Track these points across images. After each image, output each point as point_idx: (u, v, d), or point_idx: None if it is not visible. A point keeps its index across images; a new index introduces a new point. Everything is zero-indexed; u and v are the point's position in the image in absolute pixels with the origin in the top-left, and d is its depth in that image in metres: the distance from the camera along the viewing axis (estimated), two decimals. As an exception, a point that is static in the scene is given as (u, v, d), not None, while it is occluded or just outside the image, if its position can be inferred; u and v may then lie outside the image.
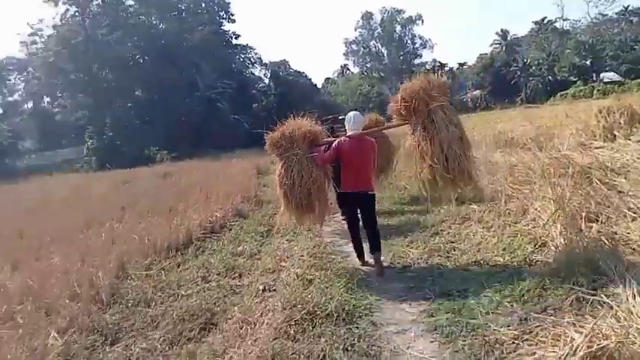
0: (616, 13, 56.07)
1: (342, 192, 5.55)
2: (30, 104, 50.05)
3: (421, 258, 5.45)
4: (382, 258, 5.46)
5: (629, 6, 55.00)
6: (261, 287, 4.98)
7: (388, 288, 4.81)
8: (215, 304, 4.64)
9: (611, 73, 51.79)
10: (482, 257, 5.05)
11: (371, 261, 5.53)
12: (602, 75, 51.81)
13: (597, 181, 5.82)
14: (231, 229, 7.90)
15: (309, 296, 4.32)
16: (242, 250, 6.59)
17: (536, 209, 5.95)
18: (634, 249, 4.24)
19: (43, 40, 38.09)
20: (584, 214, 4.96)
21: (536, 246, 4.95)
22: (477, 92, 62.03)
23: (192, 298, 4.78)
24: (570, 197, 5.37)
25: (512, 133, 11.52)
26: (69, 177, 25.65)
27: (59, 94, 39.19)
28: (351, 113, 5.70)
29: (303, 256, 6.01)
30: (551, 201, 5.38)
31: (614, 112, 9.18)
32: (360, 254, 5.67)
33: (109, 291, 4.87)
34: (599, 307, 3.41)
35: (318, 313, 3.99)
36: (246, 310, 4.28)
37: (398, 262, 5.51)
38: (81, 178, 23.04)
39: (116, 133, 36.12)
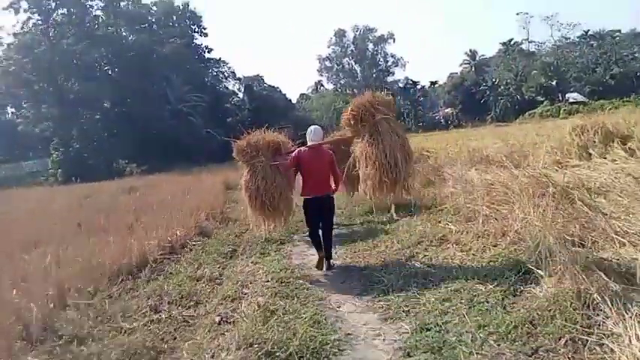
0: (577, 37, 58.02)
1: (304, 197, 5.92)
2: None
3: (396, 284, 4.93)
4: (333, 262, 6.00)
5: (588, 30, 56.97)
6: (217, 319, 4.38)
7: (360, 319, 4.29)
8: (163, 339, 4.02)
9: (576, 94, 53.29)
10: (462, 285, 4.58)
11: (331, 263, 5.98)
12: (567, 95, 53.23)
13: (580, 202, 5.44)
14: (192, 250, 7.26)
15: (270, 332, 3.76)
16: (202, 273, 5.96)
17: (516, 231, 5.56)
18: (627, 279, 3.83)
19: (2, 48, 36.48)
20: (569, 239, 4.55)
21: (520, 273, 4.50)
22: (449, 110, 62.88)
23: (136, 333, 4.13)
24: (552, 219, 4.99)
25: (485, 150, 11.20)
26: (31, 190, 24.31)
27: (23, 105, 37.41)
28: (312, 127, 6.10)
29: (267, 281, 5.47)
30: (534, 223, 4.97)
31: (587, 130, 8.99)
32: (319, 250, 5.89)
33: (40, 325, 4.17)
34: (598, 349, 2.97)
35: (277, 354, 3.43)
36: (197, 350, 3.67)
37: (371, 289, 4.98)
38: (43, 192, 21.81)
39: (83, 146, 34.83)
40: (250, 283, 5.46)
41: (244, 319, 4.19)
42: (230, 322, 4.29)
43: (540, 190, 6.14)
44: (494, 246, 5.56)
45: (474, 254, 5.42)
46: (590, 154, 8.54)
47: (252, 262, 6.47)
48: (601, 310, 3.39)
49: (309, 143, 6.00)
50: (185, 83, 40.36)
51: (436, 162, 10.99)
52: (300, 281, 5.48)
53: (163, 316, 4.54)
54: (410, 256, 5.79)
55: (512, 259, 4.93)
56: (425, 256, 5.72)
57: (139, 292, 5.30)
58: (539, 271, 4.25)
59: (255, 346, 3.50)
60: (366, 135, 6.01)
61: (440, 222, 6.95)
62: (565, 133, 10.63)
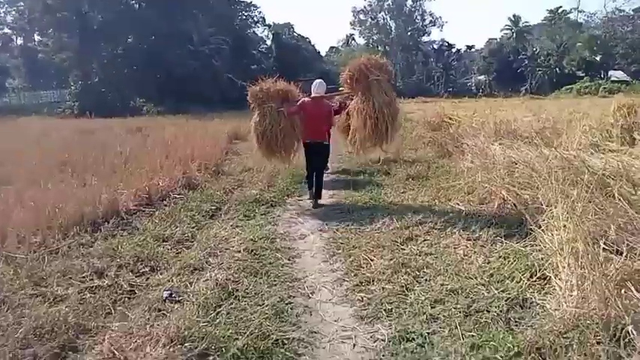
0: (633, 10, 53.59)
1: (303, 141, 7.01)
2: (20, 40, 47.66)
3: (384, 272, 4.17)
4: (320, 201, 6.88)
5: (647, 3, 52.67)
6: (165, 294, 3.71)
7: (333, 313, 3.57)
8: (91, 315, 3.36)
9: (619, 72, 50.09)
10: (460, 284, 3.79)
11: (320, 201, 6.90)
12: (610, 73, 50.08)
13: (619, 196, 4.51)
14: (169, 204, 6.57)
15: (214, 324, 3.06)
16: (171, 233, 5.29)
17: (536, 223, 4.70)
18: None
19: None
20: (602, 243, 3.67)
21: (535, 278, 3.68)
22: (482, 77, 60.30)
23: (65, 302, 3.49)
24: (583, 214, 4.10)
25: (514, 123, 10.16)
26: (42, 120, 24.05)
27: (48, 32, 36.64)
28: (317, 80, 7.12)
29: (239, 251, 4.75)
30: (560, 218, 4.10)
31: (635, 111, 7.83)
32: (310, 186, 7.00)
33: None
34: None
35: (211, 357, 2.73)
36: (123, 336, 2.99)
37: (355, 274, 4.24)
38: (51, 123, 21.41)
39: (102, 80, 34.07)
40: (220, 252, 4.77)
41: (193, 300, 3.50)
42: (178, 301, 3.61)
43: (572, 176, 5.22)
44: (508, 237, 4.74)
45: (482, 245, 4.60)
46: (635, 140, 7.46)
47: (232, 225, 5.77)
48: (635, 348, 2.57)
49: (312, 94, 6.98)
50: (212, 25, 39.04)
51: (457, 132, 9.99)
52: (278, 254, 4.78)
53: (107, 282, 3.88)
54: (407, 239, 5.00)
55: (526, 257, 4.09)
56: (425, 240, 4.92)
57: (93, 248, 4.65)
58: (559, 282, 3.42)
59: (188, 344, 2.80)
60: (359, 93, 6.75)
61: (450, 200, 6.16)
62: (606, 111, 9.52)
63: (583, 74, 48.69)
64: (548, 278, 3.63)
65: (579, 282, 3.23)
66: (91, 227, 5.26)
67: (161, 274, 4.23)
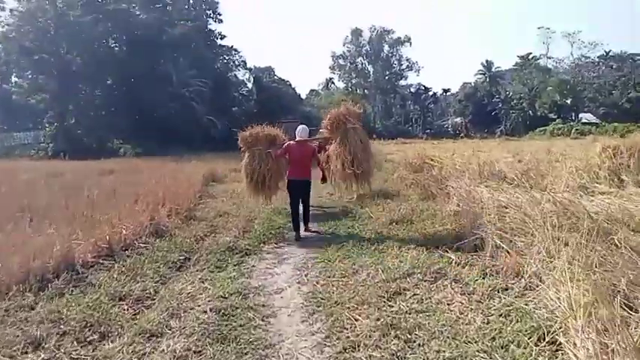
0: (597, 57, 56.09)
1: (288, 179, 7.64)
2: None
3: (371, 336, 3.63)
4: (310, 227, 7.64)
5: (610, 51, 55.22)
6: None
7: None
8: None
9: (589, 115, 51.77)
10: (459, 351, 3.27)
11: (304, 233, 7.41)
12: (580, 115, 51.67)
13: (624, 244, 4.13)
14: (132, 255, 5.94)
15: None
16: (130, 289, 4.66)
17: (535, 273, 4.27)
18: None
19: (4, 13, 34.54)
20: (617, 299, 3.23)
21: (543, 343, 3.19)
22: (459, 120, 61.59)
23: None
24: (587, 263, 3.70)
25: (497, 164, 9.91)
26: (10, 162, 23.16)
27: (25, 74, 36.07)
28: (300, 126, 7.95)
29: (206, 311, 4.16)
30: (565, 270, 3.67)
31: (621, 152, 7.62)
32: (297, 229, 7.35)
33: None
34: None
35: None
36: None
37: (338, 338, 3.68)
38: (20, 165, 20.51)
39: (78, 121, 33.40)
40: (184, 312, 4.16)
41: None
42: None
43: (569, 221, 4.85)
44: (506, 290, 4.28)
45: (478, 301, 4.11)
46: (623, 181, 7.20)
47: (200, 279, 5.17)
48: None
49: (297, 138, 7.75)
50: (192, 67, 39.08)
51: (440, 173, 9.66)
52: (250, 314, 4.19)
53: (43, 356, 3.23)
54: (395, 293, 4.48)
55: (529, 316, 3.61)
56: (414, 295, 4.40)
57: (35, 311, 4.00)
58: (573, 350, 2.93)
59: None
60: (338, 139, 7.55)
61: (438, 247, 5.70)
62: (588, 152, 9.37)
63: (555, 116, 50.08)
64: (558, 344, 3.15)
65: (599, 351, 2.75)
66: (38, 284, 4.60)
67: (112, 342, 3.60)
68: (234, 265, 5.74)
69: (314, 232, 7.60)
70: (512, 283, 4.36)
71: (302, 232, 7.39)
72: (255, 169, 7.95)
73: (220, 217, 8.74)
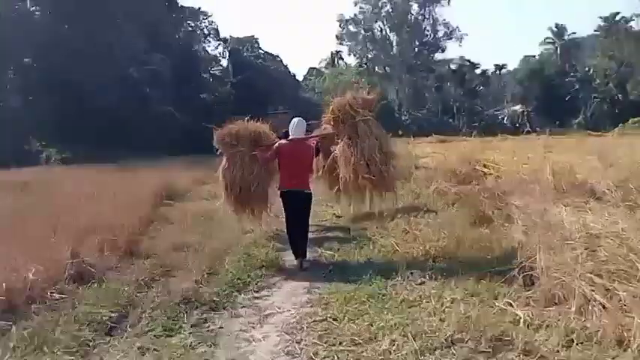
0: None
1: (280, 190, 8.10)
2: None
3: None
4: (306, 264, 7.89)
5: None
6: None
7: None
8: None
9: None
10: None
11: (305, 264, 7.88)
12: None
13: None
14: (40, 313, 5.66)
15: None
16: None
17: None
18: None
19: None
20: None
21: None
22: (518, 108, 61.72)
23: None
24: None
25: (578, 172, 9.67)
26: None
27: None
28: (295, 119, 8.32)
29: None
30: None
31: None
32: (299, 254, 7.89)
33: None
34: None
35: None
36: None
37: None
38: None
39: (-19, 115, 33.60)
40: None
41: None
42: None
43: None
44: (610, 362, 4.00)
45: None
46: None
47: (140, 349, 4.91)
48: None
49: (290, 136, 8.17)
50: (144, 37, 39.28)
51: (497, 185, 9.48)
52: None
53: None
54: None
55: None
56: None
57: None
58: None
59: None
60: (345, 136, 7.86)
61: (497, 298, 5.49)
62: None
63: (656, 102, 49.98)
64: None
65: None
66: None
67: None
68: (193, 327, 5.51)
69: (308, 261, 7.97)
70: (614, 358, 4.08)
71: (293, 262, 7.95)
72: (237, 178, 8.34)
73: (177, 251, 8.59)
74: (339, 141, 8.09)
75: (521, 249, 6.44)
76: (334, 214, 11.57)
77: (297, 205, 7.97)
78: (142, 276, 7.08)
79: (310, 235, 8.53)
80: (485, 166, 11.53)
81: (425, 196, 11.76)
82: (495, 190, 9.37)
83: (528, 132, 48.18)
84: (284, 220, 8.31)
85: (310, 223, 8.55)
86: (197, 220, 11.23)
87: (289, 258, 8.06)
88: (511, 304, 5.15)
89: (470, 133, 49.35)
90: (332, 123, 8.14)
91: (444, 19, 66.23)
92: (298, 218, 8.00)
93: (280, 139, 8.53)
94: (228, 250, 8.43)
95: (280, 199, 8.23)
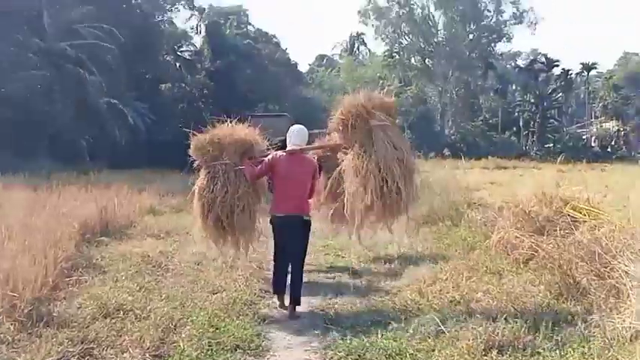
0: None
1: (273, 215, 8.88)
2: None
3: None
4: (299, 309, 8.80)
5: None
6: None
7: None
8: None
9: None
10: None
11: (299, 309, 8.83)
12: None
13: None
14: None
15: None
16: None
17: None
18: None
19: None
20: None
21: None
22: (611, 125, 61.43)
23: None
24: None
25: None
26: None
27: None
28: (295, 126, 9.23)
29: None
30: None
31: None
32: (280, 291, 8.88)
33: None
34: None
35: None
36: None
37: None
38: None
39: None
40: None
41: None
42: None
43: None
44: None
45: None
46: None
47: None
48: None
49: (289, 147, 8.91)
50: (82, 3, 39.34)
51: (595, 238, 9.12)
52: None
53: None
54: None
55: None
56: None
57: None
58: None
59: None
60: (356, 144, 8.53)
61: None
62: None
63: None
64: None
65: None
66: None
67: None
68: None
69: (298, 316, 8.67)
70: None
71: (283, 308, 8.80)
72: (217, 197, 8.97)
73: (107, 317, 8.28)
74: (349, 151, 8.73)
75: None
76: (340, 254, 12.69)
77: (293, 234, 8.67)
78: (49, 358, 6.73)
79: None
80: (575, 208, 11.07)
81: (483, 250, 11.58)
82: (593, 247, 9.01)
83: (620, 157, 48.09)
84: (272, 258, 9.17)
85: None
86: (141, 269, 11.04)
87: (279, 333, 7.97)
88: None
89: (542, 157, 49.41)
90: (340, 129, 8.73)
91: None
92: (292, 251, 8.73)
93: (274, 149, 9.28)
94: (185, 319, 8.13)
95: (270, 227, 8.94)
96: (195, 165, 9.35)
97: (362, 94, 8.74)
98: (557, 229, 10.63)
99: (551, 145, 58.32)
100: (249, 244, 9.76)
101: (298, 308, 8.75)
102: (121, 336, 7.51)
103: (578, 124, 65.45)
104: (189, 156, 9.51)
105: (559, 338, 7.00)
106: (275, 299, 9.04)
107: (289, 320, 8.40)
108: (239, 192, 8.92)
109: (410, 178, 8.41)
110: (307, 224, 8.92)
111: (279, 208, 8.70)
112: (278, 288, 8.89)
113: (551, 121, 63.79)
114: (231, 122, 9.42)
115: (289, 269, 8.82)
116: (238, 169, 8.95)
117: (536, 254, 10.21)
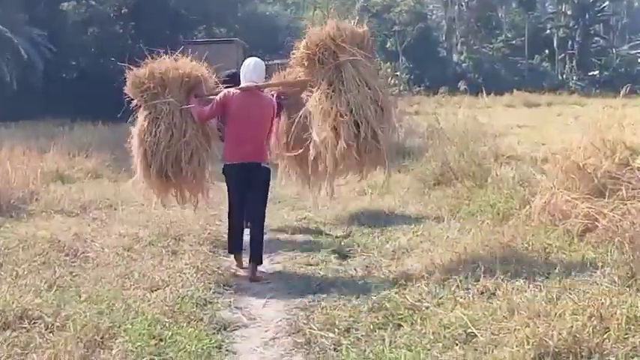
0: None
1: (225, 162, 10.07)
2: None
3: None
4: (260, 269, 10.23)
5: None
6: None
7: None
8: None
9: None
10: None
11: (246, 264, 10.23)
12: None
13: None
14: None
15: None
16: None
17: None
18: None
19: None
20: None
21: None
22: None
23: None
24: None
25: None
26: None
27: None
28: (251, 59, 10.24)
29: None
30: None
31: None
32: (236, 248, 10.26)
33: None
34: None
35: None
36: None
37: None
38: None
39: None
40: None
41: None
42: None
43: None
44: None
45: None
46: None
47: None
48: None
49: (243, 83, 9.82)
50: None
51: None
52: None
53: None
54: None
55: None
56: None
57: None
58: None
59: None
60: (323, 82, 9.26)
61: None
62: None
63: None
64: None
65: None
66: None
67: None
68: None
69: (262, 272, 10.07)
70: None
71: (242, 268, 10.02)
72: (161, 142, 9.76)
73: (6, 330, 8.06)
74: (315, 90, 9.48)
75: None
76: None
77: (249, 184, 9.83)
78: None
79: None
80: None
81: (521, 220, 11.42)
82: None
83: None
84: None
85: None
86: (50, 259, 10.89)
87: (246, 344, 7.84)
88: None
89: (585, 88, 49.45)
90: (305, 64, 9.59)
91: None
92: (250, 205, 10.00)
93: (226, 86, 10.12)
94: (116, 328, 7.98)
95: (225, 176, 10.10)
96: (133, 105, 10.01)
97: (330, 24, 9.41)
98: (624, 189, 10.54)
99: (597, 72, 58.50)
100: (198, 196, 10.73)
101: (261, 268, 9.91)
102: (27, 355, 7.37)
103: (632, 44, 65.53)
104: (120, 95, 10.32)
105: (637, 341, 6.94)
106: (232, 262, 10.16)
107: (251, 284, 9.36)
108: (186, 136, 9.62)
109: (388, 122, 9.32)
110: (266, 172, 9.89)
111: (233, 154, 9.67)
112: (234, 248, 10.02)
113: (596, 39, 63.95)
114: (166, 54, 10.09)
115: (246, 235, 9.96)
116: (184, 109, 9.66)
117: (596, 224, 10.12)
